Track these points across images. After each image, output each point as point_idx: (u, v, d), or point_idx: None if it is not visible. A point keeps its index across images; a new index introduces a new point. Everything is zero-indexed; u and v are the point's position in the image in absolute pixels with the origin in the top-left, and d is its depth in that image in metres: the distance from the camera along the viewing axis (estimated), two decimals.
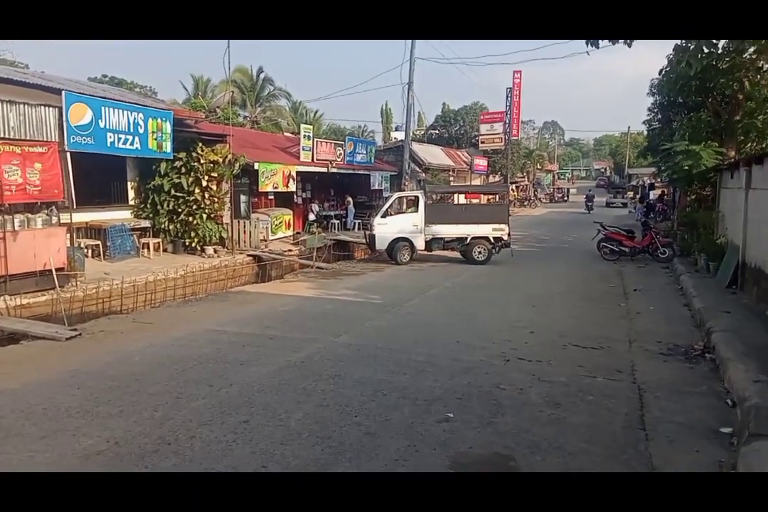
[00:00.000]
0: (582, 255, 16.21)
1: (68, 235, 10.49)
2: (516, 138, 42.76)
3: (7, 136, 9.54)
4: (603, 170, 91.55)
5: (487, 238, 14.55)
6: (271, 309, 8.97)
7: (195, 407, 4.72)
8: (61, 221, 10.37)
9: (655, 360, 6.22)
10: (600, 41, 7.68)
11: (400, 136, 37.03)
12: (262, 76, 34.56)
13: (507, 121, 39.48)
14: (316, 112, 41.71)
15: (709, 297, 8.82)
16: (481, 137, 41.06)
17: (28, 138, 9.95)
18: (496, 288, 11.47)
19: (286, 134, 27.16)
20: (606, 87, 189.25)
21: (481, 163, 39.28)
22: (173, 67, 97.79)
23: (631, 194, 44.56)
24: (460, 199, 15.73)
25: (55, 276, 8.94)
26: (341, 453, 3.92)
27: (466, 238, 14.59)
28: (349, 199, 21.61)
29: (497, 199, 22.84)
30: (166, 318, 8.43)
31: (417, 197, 15.03)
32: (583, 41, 7.69)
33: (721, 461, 3.81)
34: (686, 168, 14.37)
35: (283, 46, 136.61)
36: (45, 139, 10.26)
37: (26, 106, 9.98)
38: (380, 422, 4.46)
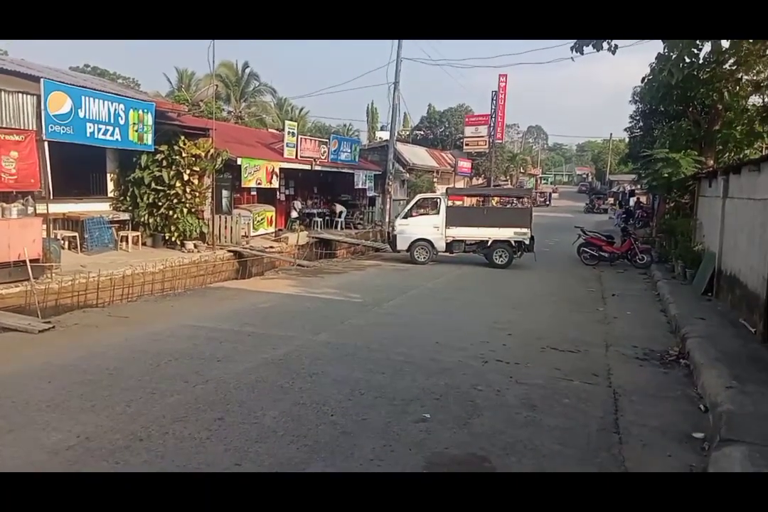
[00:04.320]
0: (562, 259, 16.36)
1: (44, 225, 10.28)
2: (500, 141, 43.06)
3: None
4: (585, 176, 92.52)
5: (508, 242, 14.62)
6: (251, 306, 8.89)
7: (169, 403, 4.65)
8: (38, 211, 10.17)
9: (630, 364, 6.29)
10: (585, 48, 7.77)
11: (385, 135, 36.98)
12: (247, 71, 34.31)
13: (492, 124, 39.73)
14: (302, 109, 41.51)
15: (685, 304, 8.96)
16: (465, 139, 41.27)
17: (4, 125, 9.73)
18: (477, 290, 11.52)
19: (270, 130, 26.96)
20: (590, 94, 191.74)
21: (465, 165, 39.49)
22: (157, 59, 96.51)
23: (611, 200, 45.18)
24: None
25: (29, 267, 8.73)
26: (316, 452, 3.89)
27: (488, 241, 14.68)
28: (339, 206, 21.27)
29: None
30: (143, 313, 8.31)
31: (438, 199, 15.20)
32: (568, 47, 7.78)
33: (692, 465, 3.86)
34: (666, 175, 14.58)
35: (269, 42, 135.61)
36: (22, 128, 10.05)
37: (3, 93, 9.76)
38: (356, 421, 4.44)
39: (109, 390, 4.90)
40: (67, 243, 11.84)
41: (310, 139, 20.82)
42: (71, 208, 12.47)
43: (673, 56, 9.77)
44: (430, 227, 14.88)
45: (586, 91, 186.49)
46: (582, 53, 7.91)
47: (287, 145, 18.81)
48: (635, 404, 5.06)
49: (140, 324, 7.53)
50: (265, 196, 18.62)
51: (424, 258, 14.93)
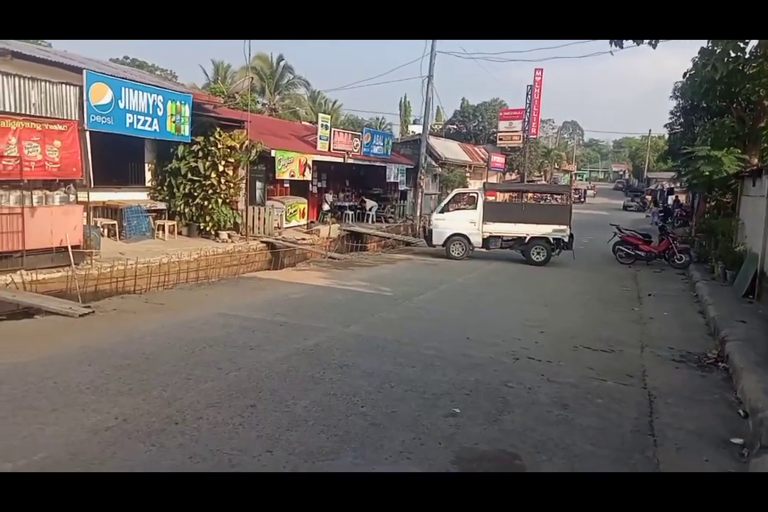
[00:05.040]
0: (597, 257, 16.06)
1: (85, 213, 10.56)
2: (534, 136, 42.48)
3: (27, 113, 9.60)
4: (622, 173, 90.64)
5: (546, 239, 14.39)
6: (283, 297, 8.99)
7: (203, 389, 4.75)
8: (79, 199, 10.44)
9: (666, 366, 6.15)
10: (624, 41, 7.56)
11: (417, 129, 36.88)
12: (282, 63, 34.47)
13: (526, 119, 39.28)
14: (335, 102, 41.69)
15: (724, 306, 8.70)
16: (499, 134, 40.87)
17: (48, 115, 10.01)
18: (508, 286, 11.41)
19: (303, 123, 27.10)
20: (628, 89, 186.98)
21: (498, 160, 39.03)
22: (194, 52, 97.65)
23: (649, 198, 44.19)
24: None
25: (70, 253, 8.99)
26: (346, 442, 3.92)
27: (525, 238, 14.49)
28: (369, 201, 21.37)
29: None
30: (179, 301, 8.49)
31: (476, 194, 15.09)
32: (607, 41, 7.58)
33: (730, 472, 3.75)
34: (707, 173, 14.13)
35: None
36: (65, 117, 10.32)
37: (48, 84, 10.03)
38: (386, 413, 4.46)
39: (146, 374, 5.02)
40: (106, 230, 12.16)
41: (343, 132, 20.86)
42: (110, 197, 12.78)
43: (718, 50, 9.44)
44: (467, 222, 14.72)
45: (625, 85, 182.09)
46: (621, 47, 7.71)
47: (320, 138, 18.88)
48: (671, 406, 4.95)
49: (175, 311, 7.69)
50: (298, 188, 18.76)
51: (459, 253, 14.79)
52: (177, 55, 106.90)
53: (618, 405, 4.92)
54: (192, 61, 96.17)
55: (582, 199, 52.56)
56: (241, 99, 22.82)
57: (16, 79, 9.48)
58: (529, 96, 39.39)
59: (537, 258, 14.35)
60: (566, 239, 14.33)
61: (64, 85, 10.32)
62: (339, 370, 5.43)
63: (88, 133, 10.78)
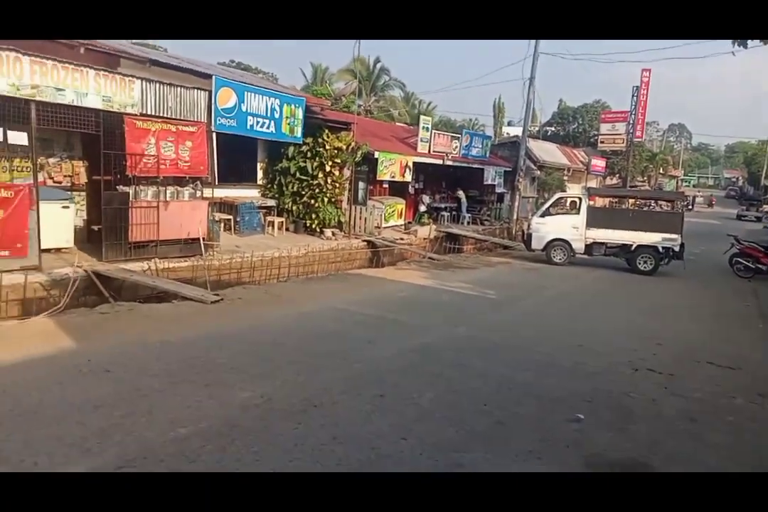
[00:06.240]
0: (710, 268, 15.11)
1: (208, 208, 11.39)
2: (639, 139, 40.39)
3: (165, 115, 10.50)
4: (735, 180, 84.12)
5: (655, 248, 13.81)
6: (389, 294, 9.26)
7: (332, 376, 5.05)
8: (204, 195, 11.27)
9: None
10: (749, 41, 7.09)
11: (512, 131, 36.26)
12: (378, 66, 35.04)
13: (631, 121, 37.41)
14: (429, 103, 41.74)
15: None
16: (601, 137, 39.23)
17: (182, 118, 10.89)
18: (616, 295, 11.04)
19: (400, 124, 27.46)
20: (744, 90, 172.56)
21: (598, 163, 37.51)
22: (293, 55, 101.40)
23: (766, 208, 40.74)
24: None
25: (201, 244, 9.76)
26: (474, 438, 4.04)
27: (631, 246, 14.01)
28: (460, 192, 21.52)
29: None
30: (294, 293, 8.98)
31: (579, 199, 14.77)
32: (722, 41, 7.14)
33: None
34: None
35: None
36: (195, 120, 11.17)
37: (182, 89, 10.90)
38: (509, 414, 4.53)
39: (277, 360, 5.40)
40: (222, 224, 13.02)
41: (443, 134, 20.95)
42: (227, 193, 13.66)
43: None
44: (569, 227, 14.35)
45: (741, 86, 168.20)
46: (746, 47, 7.26)
47: (421, 140, 19.08)
48: None
49: (293, 303, 8.15)
50: (396, 188, 19.07)
51: (561, 258, 14.44)
52: (277, 58, 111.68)
53: (751, 424, 4.71)
54: (291, 63, 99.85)
55: (690, 207, 49.33)
56: (346, 101, 23.61)
57: (157, 85, 10.39)
58: (634, 97, 37.51)
59: (644, 268, 13.72)
60: (677, 248, 13.59)
61: (195, 90, 11.18)
62: (455, 369, 5.56)
63: (214, 134, 11.61)
